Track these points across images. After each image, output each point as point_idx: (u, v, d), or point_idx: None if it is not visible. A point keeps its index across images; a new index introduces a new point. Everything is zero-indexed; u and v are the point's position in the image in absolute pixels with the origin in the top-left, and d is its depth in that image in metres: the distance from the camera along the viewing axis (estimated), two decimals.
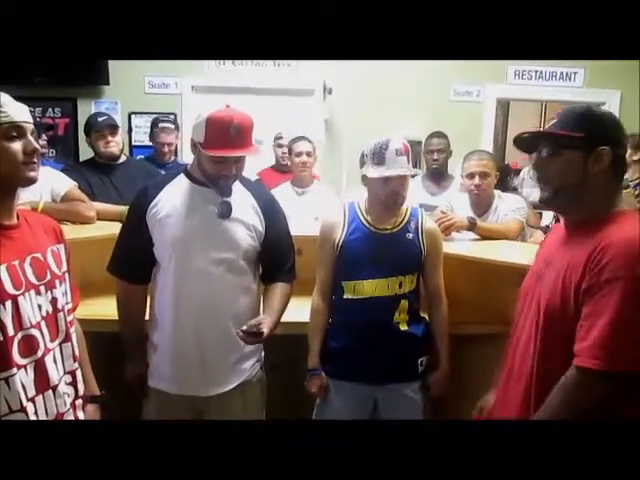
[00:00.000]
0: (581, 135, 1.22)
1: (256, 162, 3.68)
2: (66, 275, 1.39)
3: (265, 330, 1.59)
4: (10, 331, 1.17)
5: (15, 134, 1.20)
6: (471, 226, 2.44)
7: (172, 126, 3.59)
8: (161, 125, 3.53)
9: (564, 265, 1.23)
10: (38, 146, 1.24)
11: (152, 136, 3.59)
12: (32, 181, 1.24)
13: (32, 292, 1.24)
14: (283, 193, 3.04)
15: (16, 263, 1.21)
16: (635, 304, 1.10)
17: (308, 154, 3.14)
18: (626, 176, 3.11)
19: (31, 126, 1.24)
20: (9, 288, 1.17)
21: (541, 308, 1.27)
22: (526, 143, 1.36)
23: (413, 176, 1.98)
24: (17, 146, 1.20)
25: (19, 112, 1.22)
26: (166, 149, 3.50)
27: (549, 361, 1.24)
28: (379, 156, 1.87)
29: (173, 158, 3.63)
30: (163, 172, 3.17)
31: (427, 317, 2.05)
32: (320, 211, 2.83)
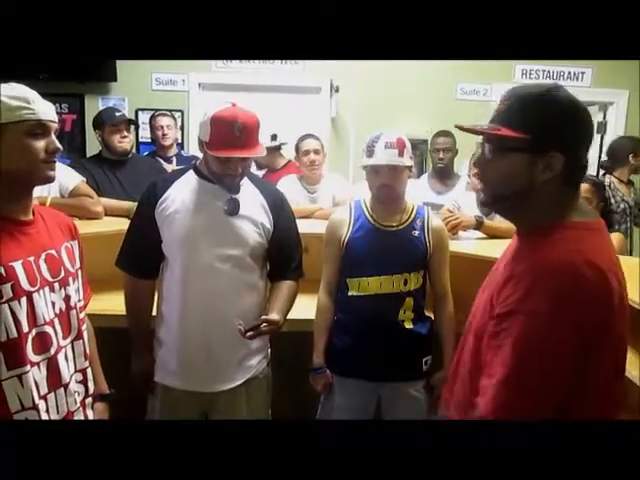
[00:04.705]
0: (528, 137, 1.01)
1: None
2: (79, 272, 1.39)
3: (275, 317, 1.63)
4: (25, 328, 1.17)
5: (40, 132, 1.20)
6: (478, 225, 2.44)
7: (169, 114, 3.72)
8: (157, 114, 3.69)
9: (498, 282, 1.06)
10: (60, 146, 1.24)
11: (151, 129, 3.68)
12: (50, 180, 1.25)
13: (46, 289, 1.24)
14: (294, 192, 3.02)
15: (31, 259, 1.21)
16: (532, 344, 0.95)
17: (316, 152, 3.07)
18: None
19: (55, 125, 1.24)
20: (24, 284, 1.18)
21: (472, 323, 1.14)
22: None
23: (411, 170, 1.96)
24: (40, 144, 1.20)
25: (46, 110, 1.22)
26: (166, 131, 3.55)
27: (472, 384, 1.09)
28: (370, 148, 1.90)
29: (176, 150, 3.66)
30: (167, 168, 3.21)
31: (433, 316, 2.05)
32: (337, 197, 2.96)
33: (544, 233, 1.03)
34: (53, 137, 1.22)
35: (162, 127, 3.55)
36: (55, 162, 1.24)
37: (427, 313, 2.04)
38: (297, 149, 3.18)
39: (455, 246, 2.19)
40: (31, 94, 1.20)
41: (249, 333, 1.58)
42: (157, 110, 3.87)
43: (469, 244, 2.40)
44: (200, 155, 1.80)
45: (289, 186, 3.00)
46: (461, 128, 1.10)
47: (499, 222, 2.56)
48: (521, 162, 1.03)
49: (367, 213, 1.99)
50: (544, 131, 1.01)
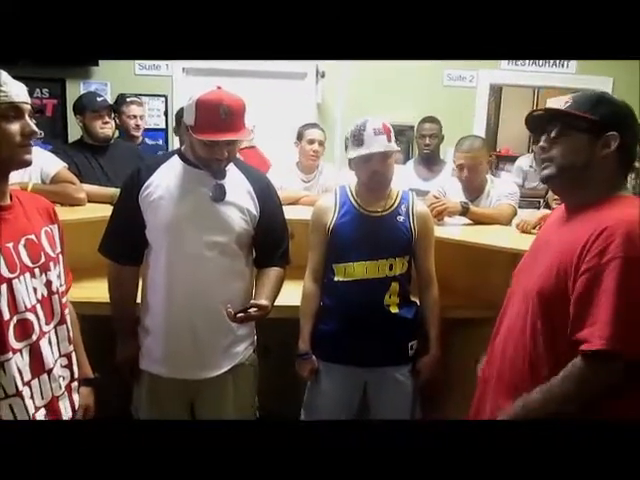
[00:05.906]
0: (593, 118, 1.24)
1: None
2: (60, 257, 1.37)
3: (264, 303, 1.64)
4: (5, 315, 1.16)
5: (13, 115, 1.17)
6: (464, 211, 2.46)
7: (140, 100, 3.56)
8: (129, 99, 3.49)
9: (561, 247, 1.24)
10: (36, 128, 1.21)
11: (118, 114, 3.43)
12: (27, 164, 1.23)
13: (27, 275, 1.22)
14: (289, 180, 3.02)
15: (10, 245, 1.19)
16: (636, 284, 1.12)
17: (320, 143, 3.11)
18: None
19: (29, 107, 1.21)
20: (4, 271, 1.16)
21: (535, 291, 1.27)
22: (536, 123, 1.37)
23: (394, 155, 1.96)
24: (14, 127, 1.17)
25: (18, 92, 1.19)
26: (138, 122, 3.41)
27: (542, 345, 1.24)
28: (358, 137, 1.88)
29: (141, 139, 3.54)
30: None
31: (418, 301, 2.06)
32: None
33: (596, 205, 1.23)
34: (28, 119, 1.19)
35: (135, 117, 3.40)
36: (31, 145, 1.21)
37: (413, 298, 2.05)
38: (301, 136, 3.15)
39: (440, 232, 2.20)
40: (2, 75, 1.16)
41: (239, 315, 1.57)
42: (141, 95, 3.80)
43: (454, 230, 2.41)
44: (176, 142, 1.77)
45: (285, 173, 3.03)
46: (539, 110, 1.34)
47: (484, 208, 2.57)
48: (584, 139, 1.25)
49: (352, 199, 1.98)
50: (606, 114, 1.25)
